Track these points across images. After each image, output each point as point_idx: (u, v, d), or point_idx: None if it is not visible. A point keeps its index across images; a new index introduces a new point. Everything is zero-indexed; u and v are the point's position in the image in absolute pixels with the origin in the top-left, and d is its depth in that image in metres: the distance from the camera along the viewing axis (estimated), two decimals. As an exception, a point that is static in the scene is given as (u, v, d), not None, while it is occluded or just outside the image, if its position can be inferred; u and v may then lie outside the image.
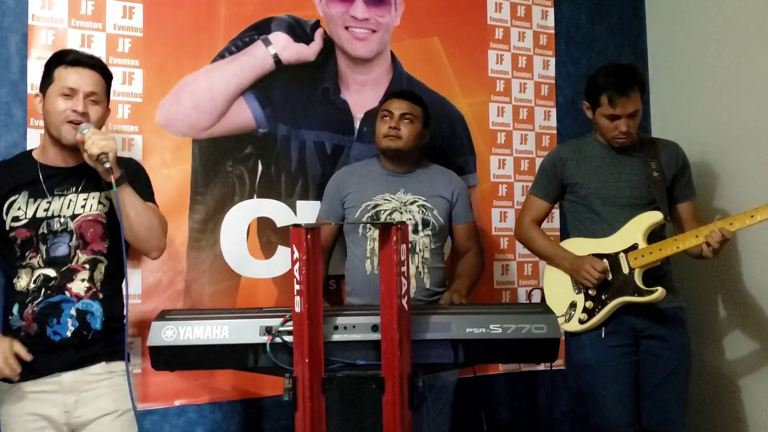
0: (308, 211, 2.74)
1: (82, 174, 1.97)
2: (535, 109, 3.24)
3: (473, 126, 3.09)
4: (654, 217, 2.42)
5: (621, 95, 2.37)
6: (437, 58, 3.04)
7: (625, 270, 2.40)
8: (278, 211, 2.72)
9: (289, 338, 1.65)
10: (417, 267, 2.48)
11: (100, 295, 1.96)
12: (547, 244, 2.60)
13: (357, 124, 2.88)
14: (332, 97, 2.85)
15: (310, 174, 2.79)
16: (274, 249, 2.70)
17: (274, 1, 2.78)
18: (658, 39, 3.46)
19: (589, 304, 2.44)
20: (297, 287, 1.61)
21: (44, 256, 1.92)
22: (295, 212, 2.75)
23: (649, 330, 2.44)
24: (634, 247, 2.40)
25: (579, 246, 2.51)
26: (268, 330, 1.67)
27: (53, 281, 1.91)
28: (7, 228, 1.93)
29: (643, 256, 2.38)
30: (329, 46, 2.86)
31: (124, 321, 1.98)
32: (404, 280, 1.63)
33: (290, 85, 2.78)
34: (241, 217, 2.67)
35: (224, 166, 2.66)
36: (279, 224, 2.71)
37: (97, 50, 2.47)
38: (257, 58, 2.72)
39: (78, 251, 1.94)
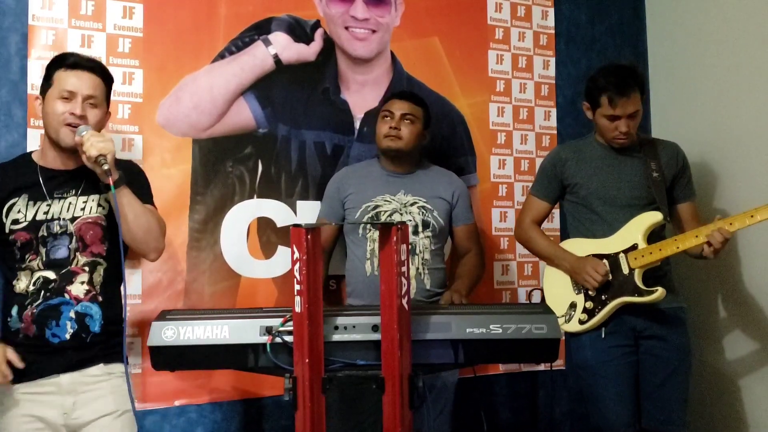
0: (308, 211, 2.74)
1: (82, 177, 1.97)
2: (535, 109, 3.25)
3: (473, 126, 3.09)
4: (654, 217, 2.42)
5: (621, 96, 2.37)
6: (437, 58, 3.04)
7: (625, 270, 2.40)
8: (278, 211, 2.72)
9: (289, 338, 1.65)
10: (417, 268, 2.48)
11: (100, 298, 1.96)
12: (547, 244, 2.60)
13: (357, 124, 2.88)
14: (332, 97, 2.85)
15: (310, 174, 2.79)
16: (274, 249, 2.70)
17: (274, 1, 2.78)
18: (658, 39, 3.46)
19: (589, 304, 2.44)
20: (297, 287, 1.61)
21: (44, 259, 1.92)
22: (295, 212, 2.75)
23: (649, 330, 2.44)
24: (634, 247, 2.40)
25: (579, 246, 2.51)
26: (268, 330, 1.67)
27: (53, 284, 1.92)
28: (7, 231, 1.93)
29: (643, 256, 2.38)
30: (329, 46, 2.86)
31: (123, 324, 1.98)
32: (404, 280, 1.63)
33: (290, 85, 2.78)
34: (241, 217, 2.67)
35: (224, 166, 2.66)
36: (279, 224, 2.71)
37: (97, 50, 2.47)
38: (257, 58, 2.72)
39: (77, 254, 1.95)
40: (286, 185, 2.75)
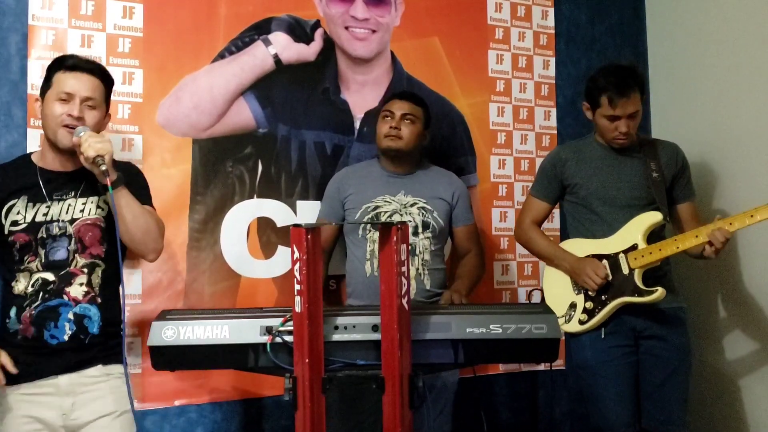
0: (308, 211, 2.74)
1: (81, 178, 1.98)
2: (535, 109, 3.25)
3: (473, 126, 3.09)
4: (654, 217, 2.42)
5: (621, 96, 2.37)
6: (437, 58, 3.04)
7: (625, 270, 2.40)
8: (278, 211, 2.72)
9: (289, 338, 1.65)
10: (417, 269, 2.48)
11: (98, 300, 1.96)
12: (547, 244, 2.60)
13: (357, 124, 2.88)
14: (332, 97, 2.85)
15: (310, 174, 2.79)
16: (274, 249, 2.70)
17: (274, 1, 2.78)
18: (658, 39, 3.47)
19: (589, 304, 2.44)
20: (297, 287, 1.60)
21: (43, 260, 1.92)
22: (295, 212, 2.75)
23: (649, 330, 2.44)
24: (634, 247, 2.40)
25: (579, 247, 2.51)
26: (269, 330, 1.67)
27: (51, 285, 1.92)
28: (6, 232, 1.93)
29: (642, 256, 2.38)
30: (329, 46, 2.86)
31: (122, 325, 1.98)
32: (404, 280, 1.63)
33: (290, 85, 2.78)
34: (241, 217, 2.67)
35: (224, 166, 2.66)
36: (279, 224, 2.71)
37: (97, 50, 2.47)
38: (257, 58, 2.72)
39: (76, 255, 1.95)
40: (286, 185, 2.75)
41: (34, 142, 2.34)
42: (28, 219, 1.93)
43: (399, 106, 2.53)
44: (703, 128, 3.11)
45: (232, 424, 2.64)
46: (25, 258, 1.92)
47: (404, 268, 1.63)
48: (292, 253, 1.62)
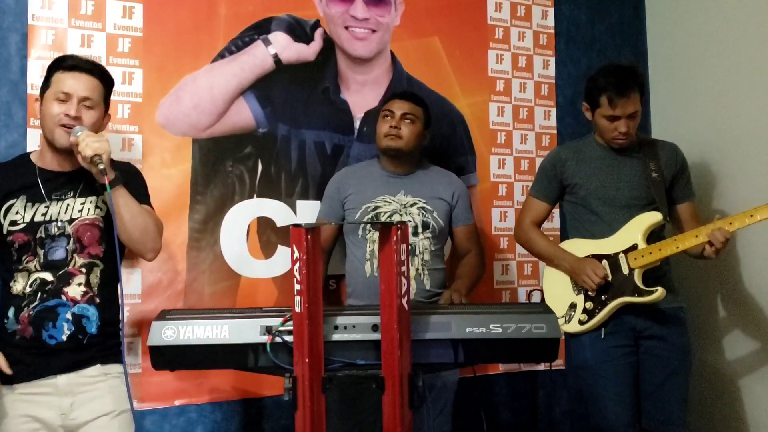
0: (308, 211, 2.74)
1: (80, 178, 1.98)
2: (535, 109, 3.25)
3: (473, 126, 3.09)
4: (654, 217, 2.42)
5: (621, 96, 2.37)
6: (437, 58, 3.04)
7: (625, 270, 2.40)
8: (278, 211, 2.72)
9: (289, 338, 1.65)
10: (417, 269, 2.48)
11: (97, 300, 1.96)
12: (546, 245, 2.60)
13: (357, 124, 2.88)
14: (332, 97, 2.85)
15: (310, 174, 2.79)
16: (274, 249, 2.70)
17: (274, 1, 2.78)
18: (658, 39, 3.47)
19: (589, 305, 2.44)
20: (297, 287, 1.60)
21: (41, 260, 1.92)
22: (295, 212, 2.75)
23: (649, 330, 2.44)
24: (634, 247, 2.40)
25: (578, 247, 2.51)
26: (268, 330, 1.67)
27: (50, 285, 1.91)
28: (5, 232, 1.93)
29: (642, 256, 2.38)
30: (329, 45, 2.86)
31: (120, 325, 1.98)
32: (404, 280, 1.63)
33: (290, 84, 2.78)
34: (241, 217, 2.67)
35: (224, 166, 2.66)
36: (279, 224, 2.71)
37: (97, 50, 2.47)
38: (257, 58, 2.72)
39: (75, 255, 1.94)
40: (286, 185, 2.75)
41: (33, 142, 2.34)
42: (27, 219, 1.93)
43: (399, 105, 2.53)
44: (703, 128, 3.11)
45: (232, 424, 2.64)
46: (24, 258, 1.92)
47: (404, 268, 1.63)
48: (292, 253, 1.62)
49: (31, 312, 1.89)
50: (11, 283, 1.93)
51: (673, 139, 2.64)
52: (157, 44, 2.57)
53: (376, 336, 1.65)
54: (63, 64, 1.96)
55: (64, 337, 1.90)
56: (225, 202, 2.65)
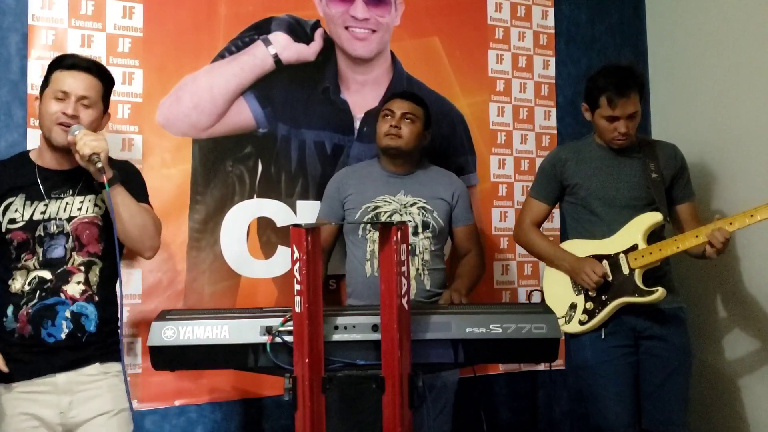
0: (308, 211, 2.74)
1: (79, 177, 1.98)
2: (535, 109, 3.25)
3: (473, 126, 3.09)
4: (654, 217, 2.42)
5: (620, 96, 2.37)
6: (437, 58, 3.04)
7: (625, 271, 2.40)
8: (278, 211, 2.72)
9: (289, 338, 1.65)
10: (417, 269, 2.48)
11: (96, 298, 1.96)
12: (546, 245, 2.60)
13: (357, 124, 2.88)
14: (332, 97, 2.85)
15: (310, 174, 2.79)
16: (274, 249, 2.70)
17: (274, 1, 2.78)
18: (658, 39, 3.47)
19: (590, 305, 2.44)
20: (297, 287, 1.61)
21: (40, 258, 1.92)
22: (295, 212, 2.75)
23: (649, 330, 2.44)
24: (634, 247, 2.40)
25: (579, 247, 2.51)
26: (268, 330, 1.68)
27: (48, 283, 1.91)
28: (3, 230, 1.93)
29: (642, 256, 2.38)
30: (329, 46, 2.86)
31: (119, 323, 1.98)
32: (404, 280, 1.63)
33: (290, 85, 2.78)
34: (241, 217, 2.67)
35: (224, 166, 2.66)
36: (279, 224, 2.71)
37: (97, 50, 2.47)
38: (257, 58, 2.72)
39: (74, 253, 1.95)
40: (286, 185, 2.75)
41: (33, 142, 2.33)
42: (26, 217, 1.93)
43: (399, 105, 2.54)
44: (703, 128, 3.11)
45: (232, 424, 2.64)
46: (23, 256, 1.92)
47: (404, 268, 1.63)
48: (292, 253, 1.62)
49: (30, 310, 1.89)
50: (10, 282, 1.93)
51: (673, 140, 2.64)
52: (157, 44, 2.57)
53: (376, 336, 1.66)
54: (62, 63, 1.96)
55: (63, 336, 1.90)
56: (225, 202, 2.65)
